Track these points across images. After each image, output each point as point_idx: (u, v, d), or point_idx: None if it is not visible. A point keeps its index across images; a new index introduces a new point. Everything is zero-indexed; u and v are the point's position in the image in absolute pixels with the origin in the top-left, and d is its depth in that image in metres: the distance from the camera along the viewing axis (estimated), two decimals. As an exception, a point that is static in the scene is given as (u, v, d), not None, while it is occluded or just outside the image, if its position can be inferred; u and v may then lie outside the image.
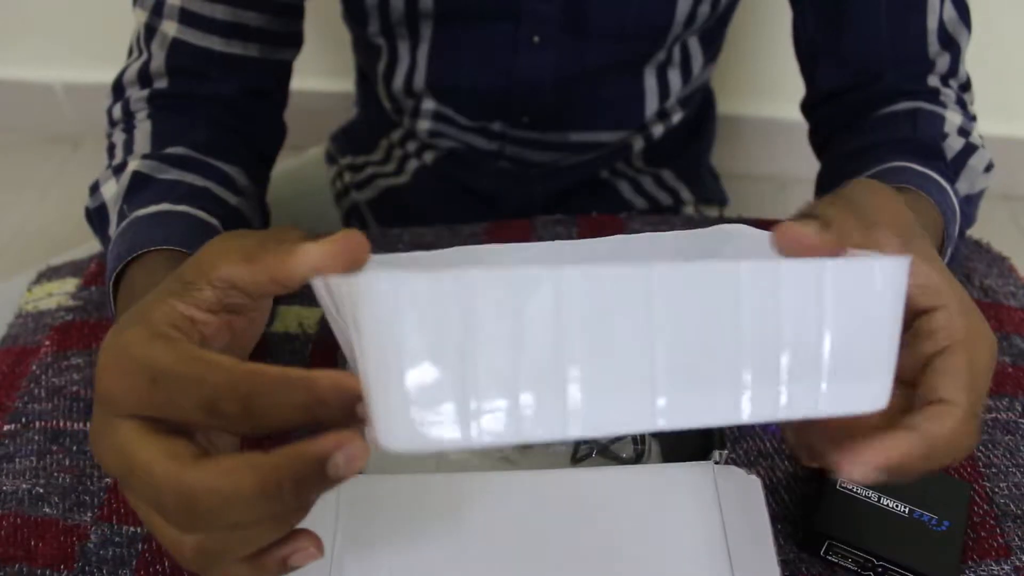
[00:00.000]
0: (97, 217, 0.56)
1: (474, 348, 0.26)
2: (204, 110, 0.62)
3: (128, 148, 0.59)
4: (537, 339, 0.26)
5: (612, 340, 0.27)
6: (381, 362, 0.25)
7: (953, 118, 0.61)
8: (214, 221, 0.53)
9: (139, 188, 0.55)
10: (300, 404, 0.29)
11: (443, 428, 0.26)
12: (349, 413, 0.29)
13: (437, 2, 0.67)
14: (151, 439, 0.30)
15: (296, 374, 0.29)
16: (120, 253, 0.48)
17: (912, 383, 0.36)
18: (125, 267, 0.48)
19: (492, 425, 0.26)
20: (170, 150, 0.58)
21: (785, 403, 0.29)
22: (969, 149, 0.59)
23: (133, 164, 0.56)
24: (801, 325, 0.29)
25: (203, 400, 0.29)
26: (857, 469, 0.31)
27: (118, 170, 0.57)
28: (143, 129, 0.60)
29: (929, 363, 0.35)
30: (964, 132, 0.60)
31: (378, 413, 0.26)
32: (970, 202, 0.59)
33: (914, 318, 0.36)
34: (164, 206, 0.52)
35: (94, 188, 0.57)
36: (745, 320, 0.28)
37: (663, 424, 0.27)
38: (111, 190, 0.56)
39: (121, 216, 0.53)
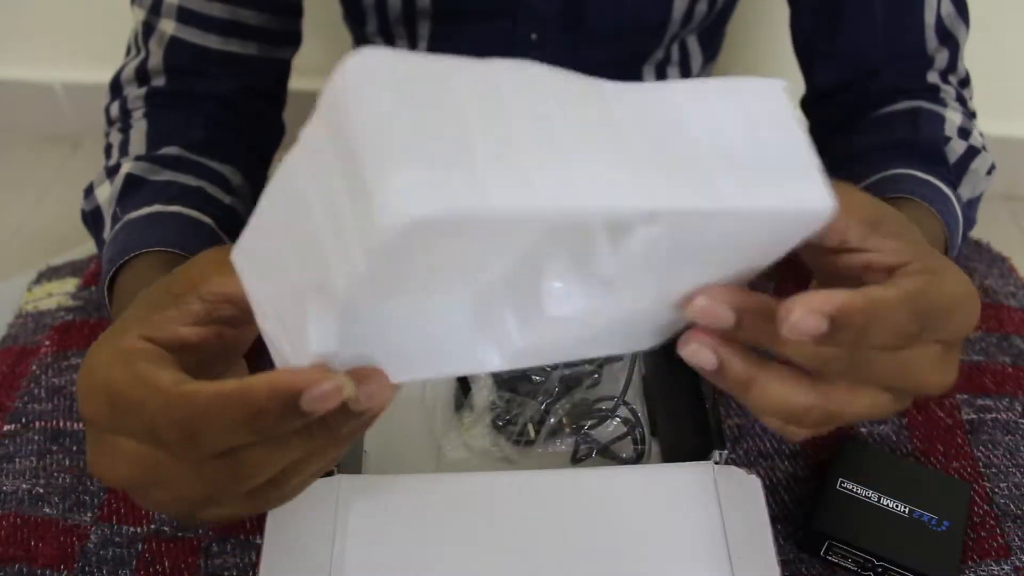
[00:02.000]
0: (92, 220, 0.56)
1: (466, 113, 0.25)
2: (201, 108, 0.62)
3: (124, 149, 0.59)
4: (518, 115, 0.26)
5: (584, 122, 0.28)
6: (376, 145, 0.23)
7: (953, 117, 0.61)
8: (208, 220, 0.53)
9: (132, 190, 0.55)
10: (240, 421, 0.27)
11: (452, 189, 0.23)
12: (293, 412, 0.27)
13: (435, 1, 0.67)
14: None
15: (230, 387, 0.28)
16: (112, 257, 0.48)
17: None
18: (118, 270, 0.48)
19: (500, 179, 0.24)
20: (164, 150, 0.58)
21: (751, 193, 0.29)
22: (972, 153, 0.59)
23: (126, 166, 0.56)
24: (715, 135, 0.30)
25: (145, 425, 0.29)
26: (805, 311, 0.29)
27: (112, 172, 0.57)
28: (139, 128, 0.60)
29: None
30: (964, 132, 0.60)
31: (379, 198, 0.23)
32: (972, 206, 0.59)
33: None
34: (156, 207, 0.52)
35: (88, 191, 0.57)
36: (685, 130, 0.29)
37: (664, 199, 0.27)
38: (105, 193, 0.56)
39: (114, 219, 0.53)
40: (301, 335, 0.27)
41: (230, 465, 0.29)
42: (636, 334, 0.35)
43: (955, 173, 0.58)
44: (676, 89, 0.31)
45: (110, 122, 0.63)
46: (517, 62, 0.27)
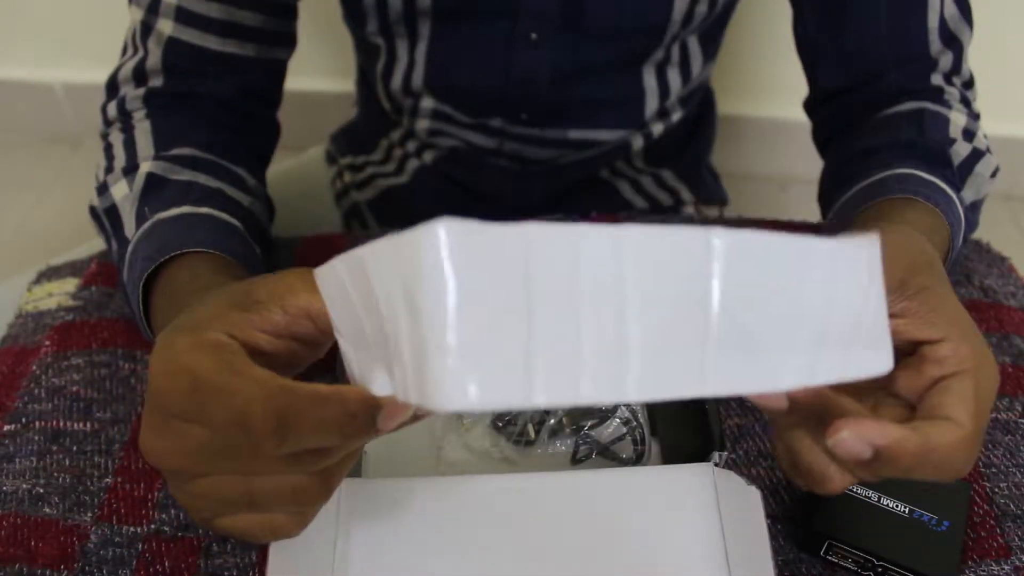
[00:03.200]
0: (108, 217, 0.56)
1: (534, 304, 0.25)
2: (201, 109, 0.62)
3: (130, 148, 0.59)
4: (595, 298, 0.25)
5: (667, 302, 0.27)
6: (435, 318, 0.24)
7: (957, 119, 0.61)
8: (236, 223, 0.53)
9: (154, 189, 0.55)
10: (333, 420, 0.29)
11: (501, 384, 0.24)
12: (372, 426, 0.29)
13: (435, 0, 0.67)
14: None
15: (327, 390, 0.30)
16: (150, 254, 0.48)
17: (914, 406, 0.38)
18: (155, 270, 0.48)
19: (551, 382, 0.24)
20: (177, 151, 0.57)
21: (818, 369, 0.30)
22: (976, 155, 0.59)
23: (145, 166, 0.56)
24: (809, 299, 0.30)
25: (235, 413, 0.30)
26: (852, 436, 0.32)
27: (128, 171, 0.56)
28: (143, 128, 0.60)
29: (936, 385, 0.37)
30: (969, 134, 0.60)
31: (431, 373, 0.24)
32: (975, 209, 0.59)
33: (920, 345, 0.38)
34: (186, 208, 0.52)
35: (103, 189, 0.57)
36: (782, 295, 0.29)
37: (712, 387, 0.27)
38: (122, 191, 0.56)
39: (140, 218, 0.53)
40: (368, 375, 0.30)
41: (292, 467, 0.31)
42: None
43: (959, 175, 0.58)
44: (793, 246, 0.30)
45: (108, 122, 0.63)
46: (608, 230, 0.26)
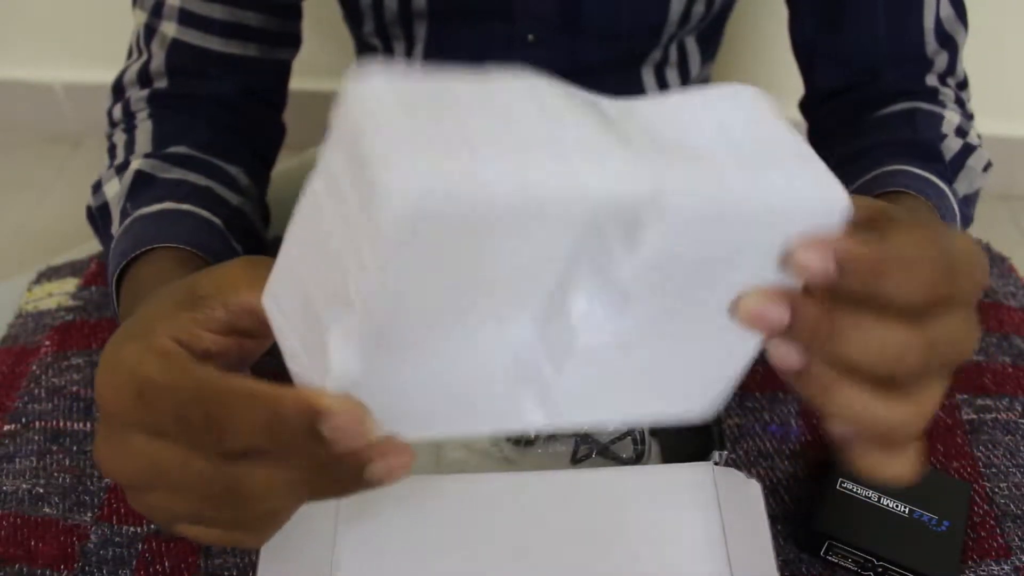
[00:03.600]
0: (99, 216, 0.56)
1: (470, 124, 0.25)
2: (205, 110, 0.62)
3: (130, 148, 0.59)
4: (519, 118, 0.26)
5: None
6: (381, 149, 0.23)
7: (952, 117, 0.61)
8: (217, 221, 0.53)
9: (142, 187, 0.55)
10: (262, 423, 0.28)
11: (453, 176, 0.23)
12: (310, 434, 0.27)
13: (431, 1, 0.67)
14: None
15: (262, 389, 0.28)
16: (124, 250, 0.48)
17: None
18: (128, 265, 0.48)
19: (501, 176, 0.24)
20: (172, 149, 0.58)
21: (742, 183, 0.28)
22: (967, 149, 0.59)
23: (136, 163, 0.56)
24: (717, 134, 0.30)
25: (172, 414, 0.29)
26: (810, 251, 0.28)
27: (120, 169, 0.57)
28: (144, 128, 0.60)
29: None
30: (962, 132, 0.60)
31: (381, 183, 0.23)
32: (968, 202, 0.59)
33: None
34: (167, 204, 0.52)
35: (96, 187, 0.57)
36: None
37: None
38: (113, 189, 0.56)
39: (124, 215, 0.53)
40: (323, 364, 0.27)
41: (236, 476, 0.30)
42: (682, 390, 0.33)
43: (951, 169, 0.58)
44: (669, 99, 0.30)
45: (113, 124, 0.63)
46: (515, 72, 0.28)
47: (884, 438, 0.30)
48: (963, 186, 0.58)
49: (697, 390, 0.33)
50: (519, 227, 0.26)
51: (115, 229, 0.53)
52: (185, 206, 0.52)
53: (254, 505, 0.30)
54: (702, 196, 0.27)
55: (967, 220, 0.59)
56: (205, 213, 0.52)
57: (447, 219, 0.24)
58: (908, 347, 0.28)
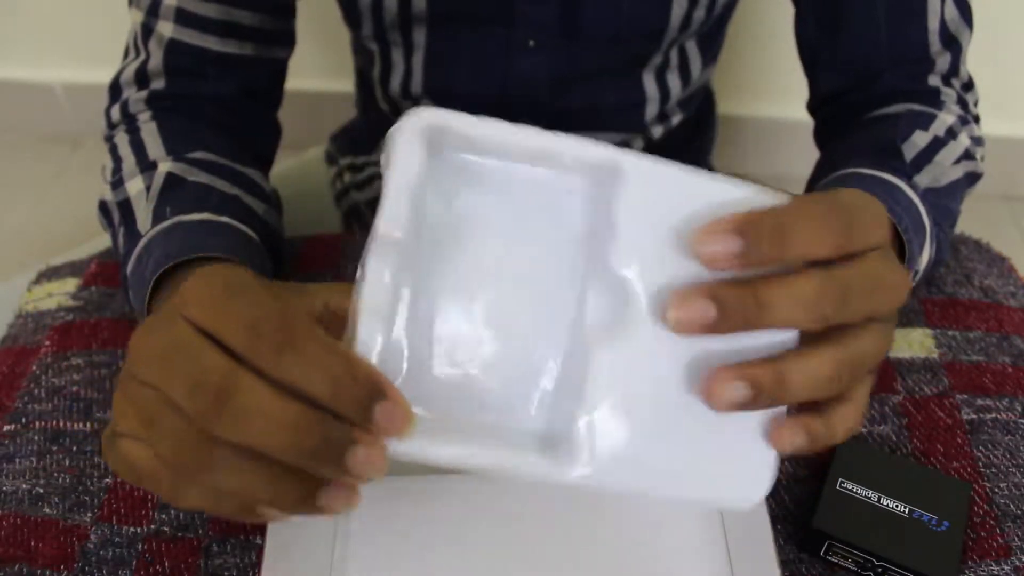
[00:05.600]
0: (121, 210, 0.56)
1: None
2: (204, 112, 0.62)
3: (138, 148, 0.59)
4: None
5: None
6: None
7: (945, 118, 0.60)
8: (253, 235, 0.54)
9: (173, 189, 0.55)
10: (333, 374, 0.29)
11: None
12: (364, 405, 0.29)
13: (430, 5, 0.67)
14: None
15: (345, 349, 0.30)
16: (169, 251, 0.48)
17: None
18: (170, 269, 0.48)
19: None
20: (193, 154, 0.58)
21: None
22: (937, 143, 0.59)
23: (164, 165, 0.56)
24: None
25: (252, 317, 0.29)
26: (704, 237, 0.30)
27: (145, 169, 0.57)
28: (149, 129, 0.60)
29: None
30: (952, 133, 0.60)
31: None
32: (942, 195, 0.58)
33: None
34: (207, 215, 0.52)
35: (118, 183, 0.57)
36: None
37: None
38: (137, 186, 0.56)
39: (159, 216, 0.53)
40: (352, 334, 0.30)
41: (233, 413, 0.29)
42: (725, 470, 0.33)
43: (914, 165, 0.57)
44: None
45: (111, 125, 0.63)
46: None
47: (826, 389, 0.32)
48: (925, 179, 0.57)
49: (739, 470, 0.33)
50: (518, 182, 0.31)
51: (142, 227, 0.53)
52: (224, 218, 0.52)
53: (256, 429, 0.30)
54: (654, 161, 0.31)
55: (947, 212, 0.58)
56: (243, 227, 0.53)
57: (450, 144, 0.30)
58: (823, 287, 0.30)
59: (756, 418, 0.32)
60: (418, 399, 0.31)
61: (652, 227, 0.30)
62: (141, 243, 0.51)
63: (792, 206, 0.31)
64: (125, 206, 0.56)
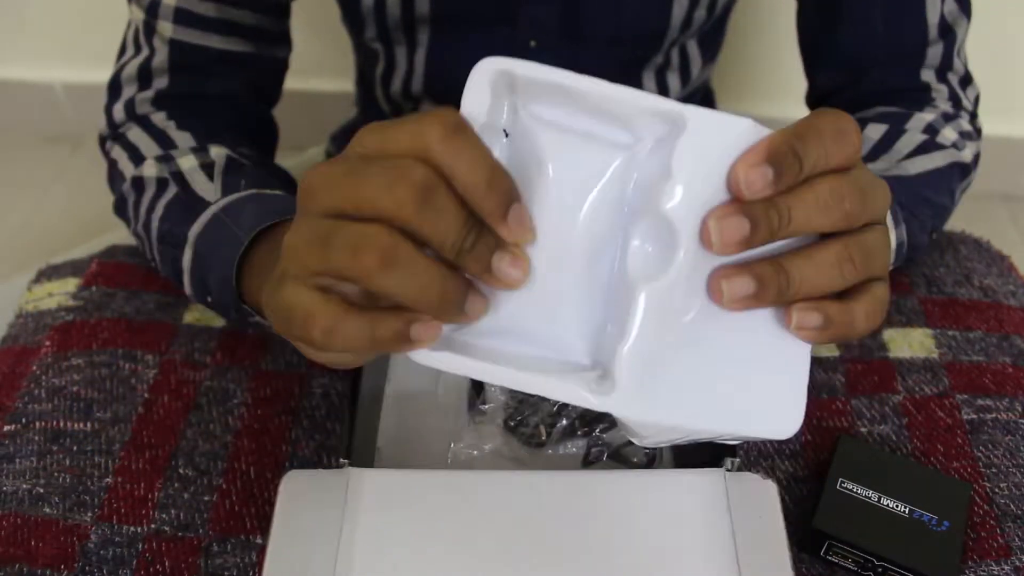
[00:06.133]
0: (175, 180, 0.57)
1: None
2: (214, 112, 0.63)
3: (162, 138, 0.59)
4: None
5: None
6: None
7: (924, 116, 0.60)
8: None
9: (235, 169, 0.57)
10: (485, 176, 0.31)
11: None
12: (503, 209, 0.32)
13: (433, 7, 0.67)
14: None
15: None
16: (271, 208, 0.50)
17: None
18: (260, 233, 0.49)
19: None
20: (238, 151, 0.59)
21: None
22: (893, 135, 0.60)
23: (221, 150, 0.58)
24: None
25: (420, 117, 0.32)
26: (740, 171, 0.32)
27: (198, 150, 0.58)
28: (170, 125, 0.61)
29: None
30: (931, 129, 0.60)
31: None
32: (912, 182, 0.58)
33: None
34: (279, 192, 0.54)
35: (166, 158, 0.58)
36: None
37: None
38: (190, 162, 0.57)
39: (230, 187, 0.55)
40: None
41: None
42: (757, 404, 0.35)
43: (869, 157, 0.59)
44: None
45: (114, 124, 0.63)
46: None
47: (841, 276, 0.35)
48: (881, 165, 0.59)
49: (772, 405, 0.35)
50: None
51: (207, 193, 0.55)
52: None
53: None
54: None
55: (924, 201, 0.59)
56: None
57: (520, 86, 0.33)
58: (842, 192, 0.34)
59: (787, 354, 0.35)
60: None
61: (703, 173, 0.33)
62: (216, 206, 0.53)
63: (807, 127, 0.34)
64: (179, 177, 0.57)
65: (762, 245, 0.33)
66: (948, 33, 0.63)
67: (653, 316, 0.33)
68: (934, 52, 0.63)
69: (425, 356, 0.33)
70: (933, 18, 0.62)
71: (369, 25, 0.70)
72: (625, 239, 0.34)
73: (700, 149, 0.32)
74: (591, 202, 0.34)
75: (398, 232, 0.31)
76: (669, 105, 0.33)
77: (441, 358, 0.33)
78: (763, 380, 0.35)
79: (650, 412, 0.34)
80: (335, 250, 0.32)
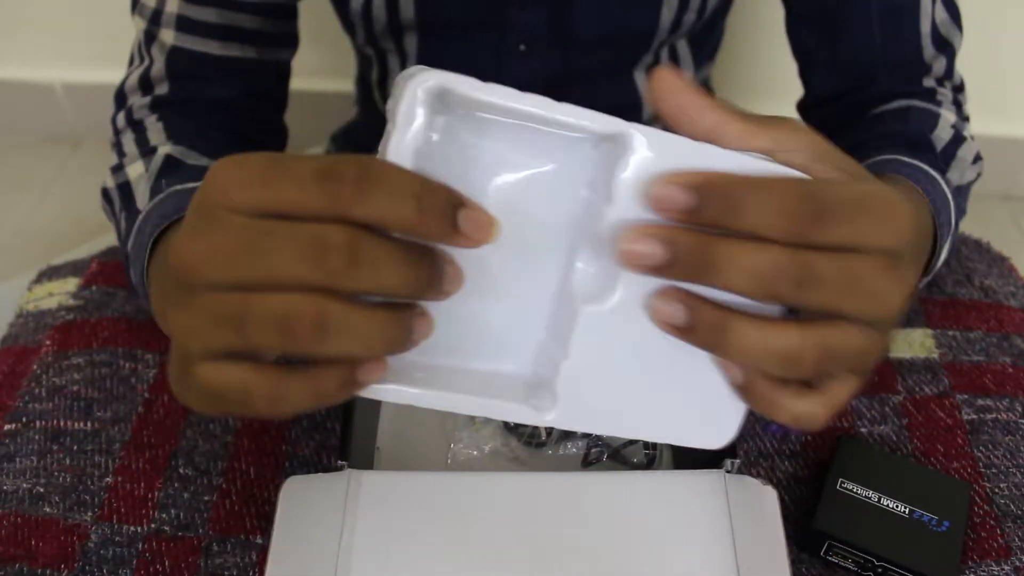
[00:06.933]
0: (119, 193, 0.56)
1: None
2: (209, 115, 0.63)
3: (142, 141, 0.59)
4: None
5: None
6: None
7: (948, 116, 0.61)
8: None
9: (172, 169, 0.55)
10: (414, 191, 0.28)
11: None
12: (447, 216, 0.28)
13: (419, 13, 0.67)
14: None
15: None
16: (166, 212, 0.48)
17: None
18: (166, 230, 0.47)
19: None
20: (195, 143, 0.59)
21: None
22: (958, 140, 0.60)
23: (164, 148, 0.57)
24: None
25: (317, 166, 0.28)
26: (666, 180, 0.30)
27: (146, 154, 0.57)
28: (156, 128, 0.60)
29: None
30: (956, 129, 0.61)
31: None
32: (961, 193, 0.59)
33: None
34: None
35: (118, 168, 0.58)
36: None
37: None
38: (137, 170, 0.56)
39: (156, 191, 0.53)
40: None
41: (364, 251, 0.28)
42: (694, 416, 0.35)
43: (943, 159, 0.58)
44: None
45: (117, 132, 0.63)
46: None
47: (784, 367, 0.31)
48: (955, 176, 0.58)
49: (710, 417, 0.36)
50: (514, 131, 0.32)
51: (141, 203, 0.53)
52: None
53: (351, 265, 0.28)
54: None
55: (961, 211, 0.59)
56: None
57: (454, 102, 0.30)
58: (779, 265, 0.29)
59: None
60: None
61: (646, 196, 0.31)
62: (139, 217, 0.51)
63: (763, 179, 0.30)
64: (125, 188, 0.56)
65: (680, 281, 0.31)
66: (946, 47, 0.63)
67: (594, 336, 0.33)
68: (938, 65, 0.63)
69: (373, 391, 0.32)
70: (925, 26, 0.62)
71: (359, 30, 0.71)
72: (570, 257, 0.34)
73: (644, 172, 0.31)
74: (536, 218, 0.33)
75: (322, 295, 0.28)
76: (614, 125, 0.31)
77: (388, 391, 0.32)
78: (703, 397, 0.35)
79: (588, 425, 0.35)
80: (253, 327, 0.28)
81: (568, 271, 0.34)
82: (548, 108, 0.31)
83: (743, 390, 0.34)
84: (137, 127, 0.61)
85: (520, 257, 0.34)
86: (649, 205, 0.30)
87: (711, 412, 0.35)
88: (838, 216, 0.29)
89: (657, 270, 0.30)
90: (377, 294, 0.29)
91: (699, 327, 0.31)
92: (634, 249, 0.30)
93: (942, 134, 0.59)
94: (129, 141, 0.60)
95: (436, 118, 0.31)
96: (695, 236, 0.30)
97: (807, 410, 0.34)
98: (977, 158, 0.60)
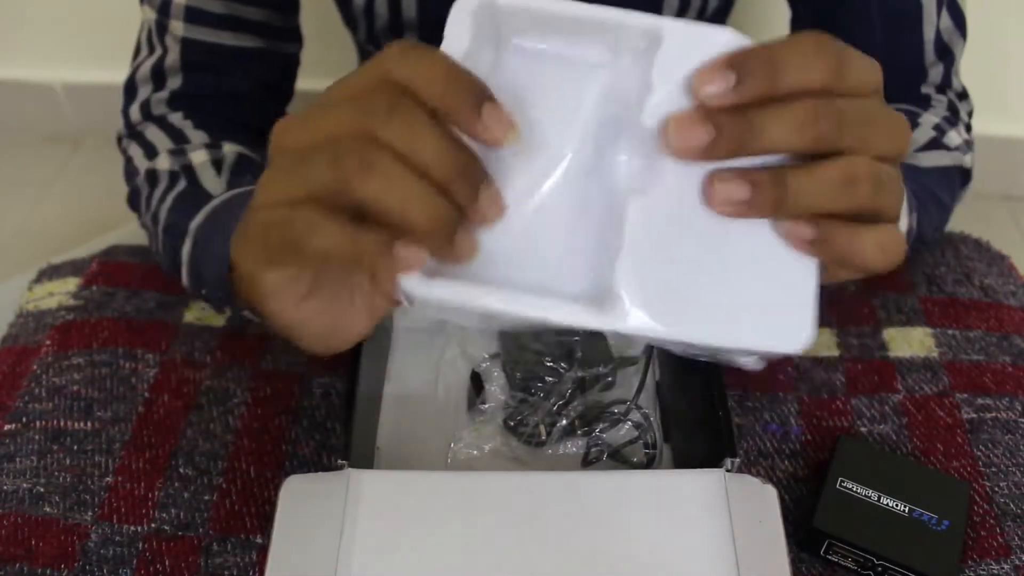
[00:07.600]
0: (186, 174, 0.58)
1: None
2: (227, 109, 0.63)
3: (177, 135, 0.60)
4: None
5: None
6: None
7: (929, 118, 0.61)
8: None
9: (244, 167, 0.58)
10: (443, 76, 0.31)
11: None
12: (473, 106, 0.31)
13: (420, 12, 0.67)
14: None
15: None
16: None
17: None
18: None
19: None
20: (232, 147, 0.60)
21: None
22: (936, 145, 0.60)
23: (233, 147, 0.59)
24: None
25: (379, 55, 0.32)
26: (706, 70, 0.31)
27: (210, 146, 0.59)
28: (187, 124, 0.61)
29: None
30: (939, 129, 0.61)
31: None
32: (921, 172, 0.59)
33: None
34: None
35: (179, 152, 0.59)
36: None
37: None
38: (201, 157, 0.58)
39: (236, 183, 0.56)
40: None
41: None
42: (763, 319, 0.34)
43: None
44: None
45: (131, 124, 0.63)
46: None
47: (847, 192, 0.33)
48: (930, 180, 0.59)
49: (779, 320, 0.34)
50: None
51: (211, 186, 0.56)
52: None
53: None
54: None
55: (930, 194, 0.58)
56: None
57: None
58: (818, 111, 0.32)
59: (793, 270, 0.34)
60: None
61: (684, 86, 0.32)
62: (218, 200, 0.53)
63: (783, 41, 0.32)
64: (189, 171, 0.57)
65: (730, 157, 0.32)
66: (947, 54, 0.63)
67: (646, 229, 0.33)
68: (935, 73, 0.63)
69: (416, 284, 0.32)
70: (930, 33, 0.62)
71: (360, 27, 0.71)
72: (612, 157, 0.34)
73: (679, 62, 0.32)
74: (578, 126, 0.34)
75: (369, 141, 0.31)
76: (646, 19, 0.33)
77: (433, 286, 0.32)
78: (769, 295, 0.33)
79: (652, 328, 0.32)
80: (312, 167, 0.31)
81: (612, 169, 0.34)
82: (583, 8, 0.33)
83: (819, 244, 0.33)
84: (160, 121, 0.62)
85: (568, 166, 0.34)
86: (696, 91, 0.32)
87: (781, 315, 0.34)
88: (855, 61, 0.33)
89: (706, 151, 0.31)
90: (412, 154, 0.31)
91: (760, 193, 0.32)
92: (681, 132, 0.31)
93: (919, 136, 0.59)
94: (156, 132, 0.61)
95: (480, 36, 0.33)
96: (734, 111, 0.31)
97: (886, 235, 0.34)
98: (940, 146, 0.60)
